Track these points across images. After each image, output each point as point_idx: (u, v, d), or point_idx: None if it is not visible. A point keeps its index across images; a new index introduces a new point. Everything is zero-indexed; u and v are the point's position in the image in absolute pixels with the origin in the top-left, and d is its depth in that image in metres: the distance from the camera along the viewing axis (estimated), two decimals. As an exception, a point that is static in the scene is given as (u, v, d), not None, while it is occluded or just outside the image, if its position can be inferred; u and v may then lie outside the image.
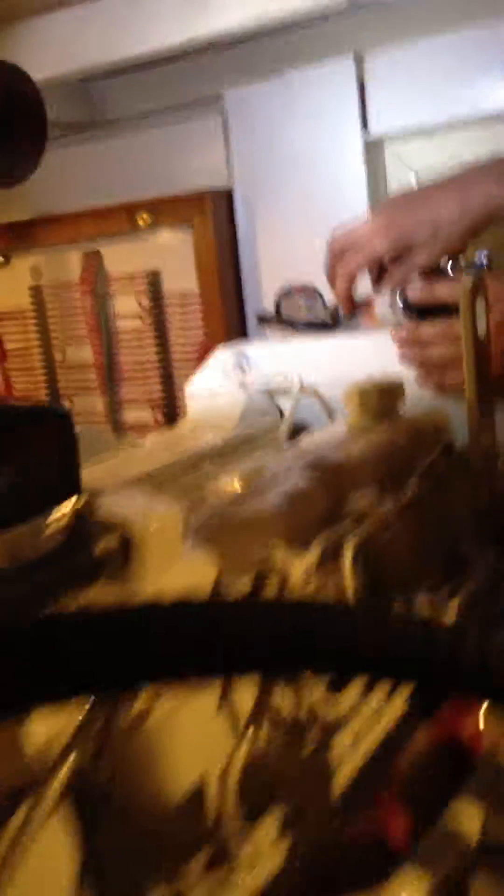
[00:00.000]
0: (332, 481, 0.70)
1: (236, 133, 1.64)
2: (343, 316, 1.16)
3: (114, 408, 1.89)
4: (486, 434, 0.86)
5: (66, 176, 1.80)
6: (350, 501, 0.67)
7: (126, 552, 0.46)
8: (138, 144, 1.78)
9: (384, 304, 1.12)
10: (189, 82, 1.65)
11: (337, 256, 1.03)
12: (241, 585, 0.54)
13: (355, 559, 0.61)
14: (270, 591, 0.54)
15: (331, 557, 0.61)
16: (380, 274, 1.03)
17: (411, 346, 1.00)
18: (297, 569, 0.55)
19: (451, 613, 0.66)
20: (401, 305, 1.06)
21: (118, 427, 1.89)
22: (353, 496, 0.67)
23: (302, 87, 1.53)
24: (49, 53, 1.47)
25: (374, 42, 1.42)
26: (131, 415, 1.88)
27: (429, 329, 0.99)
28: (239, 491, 0.65)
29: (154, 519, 0.49)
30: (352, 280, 1.03)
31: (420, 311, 1.04)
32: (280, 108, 1.56)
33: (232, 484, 0.65)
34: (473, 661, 0.35)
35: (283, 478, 0.70)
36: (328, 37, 1.35)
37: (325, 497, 0.67)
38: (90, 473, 0.48)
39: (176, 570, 0.49)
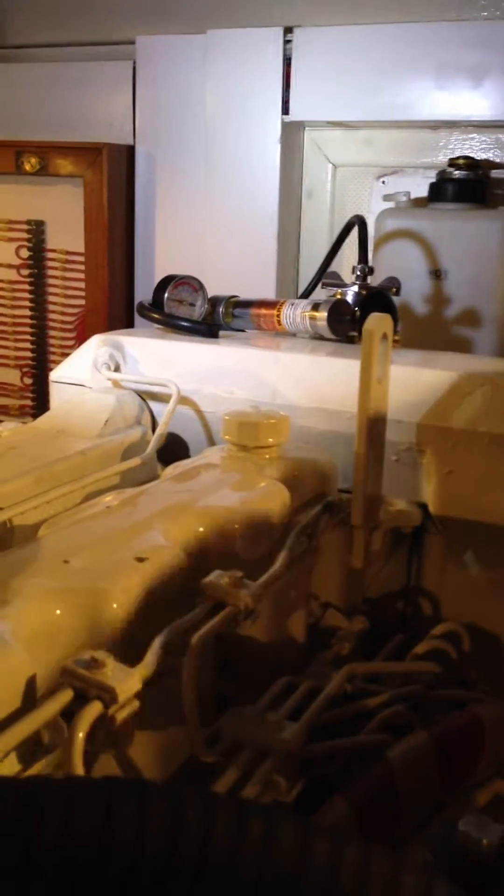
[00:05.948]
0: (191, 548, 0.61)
1: (144, 84, 1.50)
2: (223, 318, 1.06)
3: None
4: (372, 484, 0.79)
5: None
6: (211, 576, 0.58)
7: None
8: (37, 77, 1.60)
9: (293, 311, 1.03)
10: (101, 19, 1.48)
11: None
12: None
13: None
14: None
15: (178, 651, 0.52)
16: None
17: None
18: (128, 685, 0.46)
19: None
20: (326, 321, 0.98)
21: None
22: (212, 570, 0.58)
23: (222, 50, 1.39)
24: None
25: (307, 20, 1.30)
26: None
27: None
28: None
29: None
30: None
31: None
32: (196, 66, 1.43)
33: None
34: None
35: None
36: (259, 2, 1.22)
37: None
38: None
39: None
